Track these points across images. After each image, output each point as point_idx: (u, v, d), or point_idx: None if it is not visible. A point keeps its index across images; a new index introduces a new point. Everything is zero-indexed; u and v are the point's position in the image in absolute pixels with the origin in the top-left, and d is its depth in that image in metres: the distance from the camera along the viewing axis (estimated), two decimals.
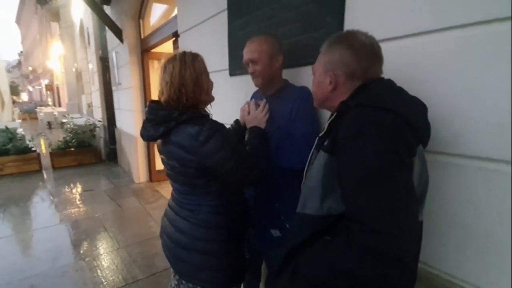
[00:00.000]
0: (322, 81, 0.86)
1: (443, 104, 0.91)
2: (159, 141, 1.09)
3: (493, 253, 0.86)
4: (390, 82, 0.81)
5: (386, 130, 0.66)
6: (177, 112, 1.00)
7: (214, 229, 1.08)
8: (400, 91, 0.80)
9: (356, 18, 1.13)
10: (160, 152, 1.12)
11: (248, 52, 1.26)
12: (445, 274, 0.97)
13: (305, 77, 1.36)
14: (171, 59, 1.03)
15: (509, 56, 0.76)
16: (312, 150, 0.86)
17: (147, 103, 1.10)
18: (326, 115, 1.21)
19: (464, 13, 0.84)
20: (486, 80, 0.81)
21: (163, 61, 1.06)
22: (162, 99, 1.05)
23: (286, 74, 1.36)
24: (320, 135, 0.84)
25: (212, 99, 1.14)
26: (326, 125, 0.82)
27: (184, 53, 1.05)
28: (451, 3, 0.86)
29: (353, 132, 0.68)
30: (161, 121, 1.02)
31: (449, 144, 0.92)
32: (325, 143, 0.78)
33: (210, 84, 1.11)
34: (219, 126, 1.01)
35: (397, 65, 1.00)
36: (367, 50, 0.80)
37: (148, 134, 1.05)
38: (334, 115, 0.80)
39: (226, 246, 1.11)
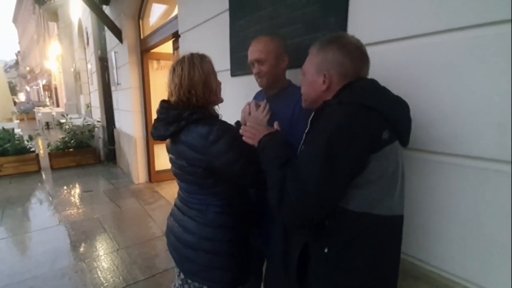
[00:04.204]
0: (315, 81, 0.88)
1: (443, 104, 0.91)
2: (168, 140, 1.09)
3: (494, 252, 0.86)
4: (373, 82, 0.84)
5: (358, 134, 0.70)
6: (188, 112, 1.00)
7: (222, 229, 1.09)
8: (384, 90, 0.82)
9: (359, 19, 1.13)
10: (169, 151, 1.12)
11: (254, 52, 1.25)
12: (447, 273, 0.97)
13: None
14: (180, 61, 1.03)
15: (508, 57, 0.77)
16: (300, 147, 0.90)
17: (159, 103, 1.09)
18: None
19: (466, 15, 0.84)
20: (485, 81, 0.82)
21: (171, 63, 1.05)
22: (172, 101, 1.05)
23: (289, 74, 1.35)
24: (306, 131, 0.88)
25: (221, 100, 1.14)
26: (308, 123, 0.87)
27: (192, 54, 1.05)
28: (454, 5, 0.86)
29: (332, 126, 0.72)
30: (172, 120, 1.02)
31: (448, 144, 0.92)
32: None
33: (218, 85, 1.11)
34: (229, 127, 1.02)
35: (401, 66, 1.00)
36: (359, 51, 0.84)
37: (158, 134, 1.06)
38: (314, 112, 0.84)
39: (233, 246, 1.11)
